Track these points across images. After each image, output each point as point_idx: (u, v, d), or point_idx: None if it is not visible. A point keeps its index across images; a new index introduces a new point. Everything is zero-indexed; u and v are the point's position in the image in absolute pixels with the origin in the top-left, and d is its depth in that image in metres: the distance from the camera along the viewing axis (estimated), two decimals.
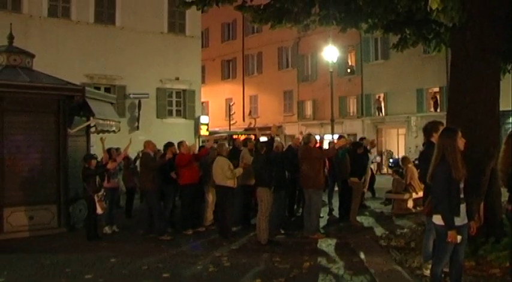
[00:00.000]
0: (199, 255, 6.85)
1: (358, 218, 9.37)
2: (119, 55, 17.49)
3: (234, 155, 9.19)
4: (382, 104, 26.93)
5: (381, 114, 27.00)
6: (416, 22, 7.52)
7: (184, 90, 19.52)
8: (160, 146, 9.23)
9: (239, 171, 8.11)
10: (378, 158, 24.92)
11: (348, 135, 19.56)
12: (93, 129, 10.10)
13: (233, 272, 5.98)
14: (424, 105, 24.80)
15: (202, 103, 22.63)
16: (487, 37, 6.08)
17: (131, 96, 17.73)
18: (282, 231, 8.25)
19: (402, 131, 26.17)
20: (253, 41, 33.21)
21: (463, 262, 4.42)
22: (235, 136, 20.52)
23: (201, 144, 15.73)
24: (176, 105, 19.54)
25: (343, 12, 7.75)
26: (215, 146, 9.02)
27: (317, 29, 9.12)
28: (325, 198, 9.95)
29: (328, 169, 9.87)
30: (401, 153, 22.25)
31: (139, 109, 17.91)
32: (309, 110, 30.41)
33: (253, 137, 13.29)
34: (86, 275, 5.87)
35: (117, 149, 9.81)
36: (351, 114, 28.20)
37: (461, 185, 4.07)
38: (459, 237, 4.00)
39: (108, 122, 9.88)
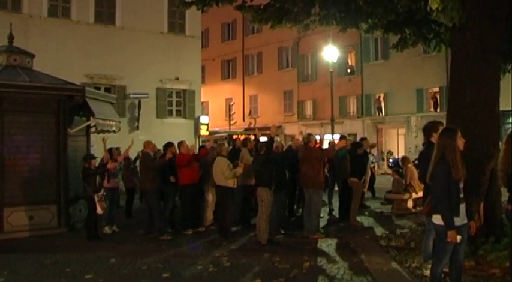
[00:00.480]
0: (199, 255, 6.85)
1: (358, 218, 9.37)
2: (119, 55, 17.50)
3: (234, 155, 9.21)
4: (382, 104, 26.93)
5: (381, 114, 27.00)
6: (416, 22, 7.52)
7: (184, 90, 19.51)
8: (160, 146, 9.25)
9: (239, 171, 8.12)
10: (375, 159, 24.74)
11: (348, 135, 19.49)
12: (93, 129, 10.10)
13: (233, 272, 5.98)
14: (424, 105, 24.80)
15: (202, 103, 22.64)
16: (487, 37, 6.09)
17: (131, 96, 17.73)
18: (282, 231, 8.25)
19: (402, 131, 26.17)
20: (253, 41, 33.21)
21: (463, 262, 4.42)
22: (235, 136, 20.50)
23: (201, 144, 15.71)
24: (176, 105, 19.54)
25: (343, 12, 7.74)
26: (215, 146, 9.02)
27: (317, 29, 9.11)
28: (325, 198, 9.95)
29: (328, 169, 9.88)
30: (401, 153, 22.23)
31: (139, 109, 17.91)
32: (309, 110, 30.40)
33: (253, 137, 13.30)
34: (86, 275, 5.88)
35: (117, 149, 9.81)
36: (351, 114, 28.19)
37: (461, 185, 4.07)
38: (459, 237, 4.01)
39: (108, 122, 9.88)
